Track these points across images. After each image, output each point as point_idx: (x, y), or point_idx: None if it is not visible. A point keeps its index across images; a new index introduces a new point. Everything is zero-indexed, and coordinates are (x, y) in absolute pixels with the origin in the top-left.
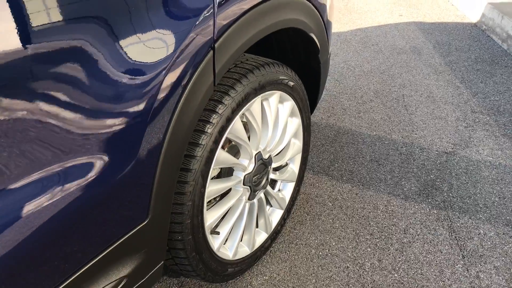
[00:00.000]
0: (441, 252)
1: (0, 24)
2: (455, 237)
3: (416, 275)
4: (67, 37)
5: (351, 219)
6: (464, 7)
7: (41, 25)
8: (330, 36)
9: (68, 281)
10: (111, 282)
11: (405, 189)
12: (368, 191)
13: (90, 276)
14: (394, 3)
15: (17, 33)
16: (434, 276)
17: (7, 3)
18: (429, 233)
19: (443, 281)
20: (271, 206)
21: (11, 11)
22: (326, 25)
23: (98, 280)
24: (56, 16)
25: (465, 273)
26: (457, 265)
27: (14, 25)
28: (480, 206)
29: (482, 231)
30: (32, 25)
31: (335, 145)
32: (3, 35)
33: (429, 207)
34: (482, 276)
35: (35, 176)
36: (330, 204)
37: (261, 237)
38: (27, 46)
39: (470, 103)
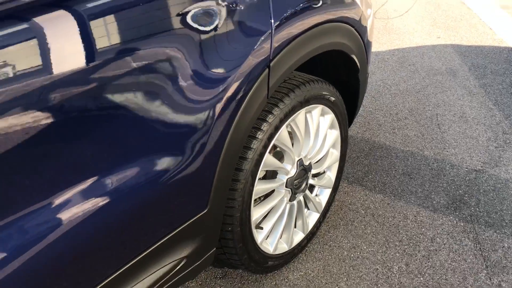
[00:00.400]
0: (466, 261)
1: (105, 36)
2: (480, 248)
3: (441, 280)
4: (158, 49)
5: (382, 226)
6: (502, 31)
7: (143, 36)
8: (369, 56)
9: (141, 256)
10: (174, 261)
11: (434, 202)
12: (399, 202)
13: (159, 253)
14: (432, 25)
15: (119, 40)
16: (458, 282)
17: (119, 19)
18: (455, 243)
19: (466, 287)
20: (309, 209)
21: (121, 25)
22: (366, 46)
23: (165, 257)
24: (155, 29)
25: (487, 281)
26: (480, 273)
27: (119, 35)
28: (506, 221)
29: (506, 245)
30: (136, 35)
31: (369, 158)
32: (101, 48)
33: (457, 219)
34: (504, 285)
35: (123, 166)
36: (362, 211)
37: (298, 236)
38: (127, 52)
39: (502, 125)
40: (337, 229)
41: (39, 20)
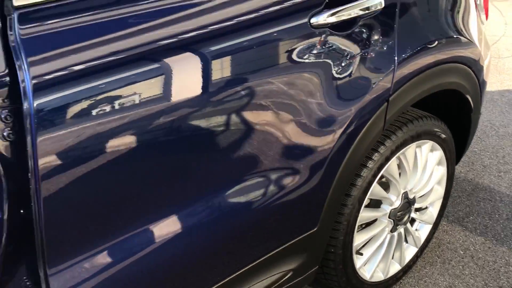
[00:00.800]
0: None
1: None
2: None
3: None
4: (290, 80)
5: (482, 269)
6: None
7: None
8: (483, 96)
9: (256, 262)
10: (281, 272)
11: None
12: (502, 247)
13: (271, 262)
14: None
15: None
16: None
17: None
18: None
19: None
20: (407, 242)
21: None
22: (481, 86)
23: (275, 267)
24: (289, 63)
25: None
26: None
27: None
28: None
29: None
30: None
31: (472, 199)
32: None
33: None
34: None
35: (249, 182)
36: (461, 252)
37: (395, 267)
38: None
39: None
40: (433, 266)
41: (169, 60)
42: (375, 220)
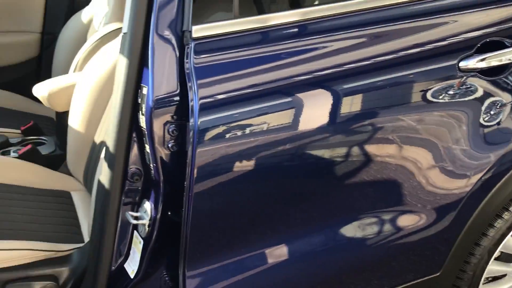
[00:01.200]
0: None
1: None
2: None
3: None
4: (435, 121)
5: None
6: None
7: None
8: None
9: None
10: None
11: None
12: None
13: None
14: None
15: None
16: None
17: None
18: None
19: None
20: None
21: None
22: None
23: None
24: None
25: None
26: None
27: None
28: None
29: None
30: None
31: None
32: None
33: None
34: None
35: (378, 219)
36: None
37: None
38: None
39: None
40: None
41: (300, 95)
42: (505, 275)
